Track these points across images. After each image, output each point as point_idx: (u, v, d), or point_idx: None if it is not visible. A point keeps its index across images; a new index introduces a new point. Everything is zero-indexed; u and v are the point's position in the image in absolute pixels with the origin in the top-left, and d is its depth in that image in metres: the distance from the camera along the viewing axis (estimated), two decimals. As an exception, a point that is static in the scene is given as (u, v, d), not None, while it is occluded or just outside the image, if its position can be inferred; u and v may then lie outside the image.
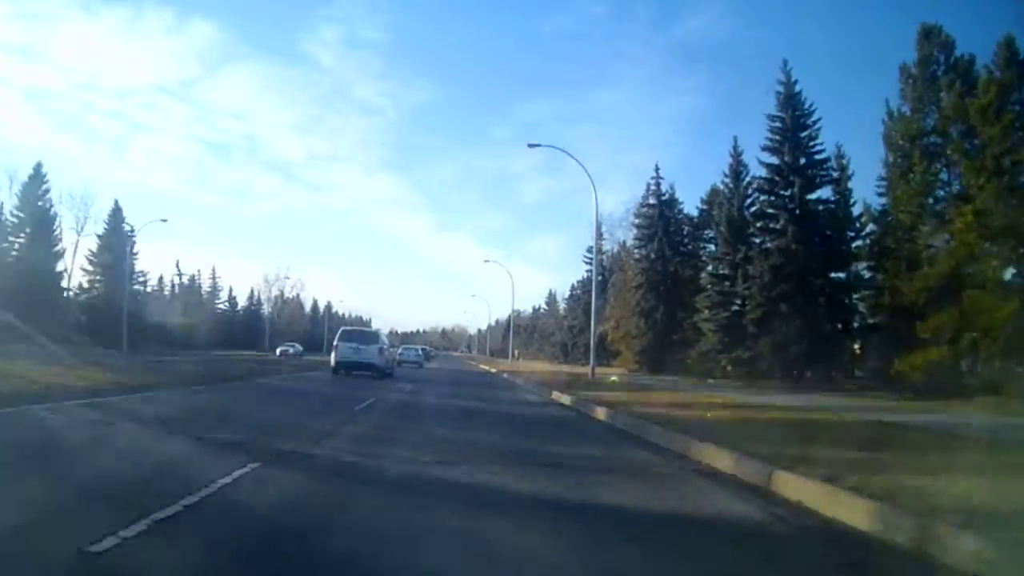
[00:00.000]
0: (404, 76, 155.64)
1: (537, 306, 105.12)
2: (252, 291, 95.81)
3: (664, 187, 45.25)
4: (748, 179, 38.68)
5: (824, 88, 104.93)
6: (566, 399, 17.25)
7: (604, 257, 63.62)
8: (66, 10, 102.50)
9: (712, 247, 45.58)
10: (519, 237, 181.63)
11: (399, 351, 38.79)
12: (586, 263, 67.17)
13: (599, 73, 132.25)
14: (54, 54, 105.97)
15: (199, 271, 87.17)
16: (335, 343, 23.96)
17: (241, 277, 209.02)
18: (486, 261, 57.41)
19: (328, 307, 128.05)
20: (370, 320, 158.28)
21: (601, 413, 13.11)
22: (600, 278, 63.48)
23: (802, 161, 33.51)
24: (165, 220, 62.03)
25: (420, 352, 46.21)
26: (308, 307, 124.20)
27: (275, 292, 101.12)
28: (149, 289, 79.54)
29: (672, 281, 42.61)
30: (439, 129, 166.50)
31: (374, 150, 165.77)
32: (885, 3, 71.06)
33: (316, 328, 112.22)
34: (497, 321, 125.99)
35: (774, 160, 33.76)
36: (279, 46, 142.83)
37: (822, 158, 33.84)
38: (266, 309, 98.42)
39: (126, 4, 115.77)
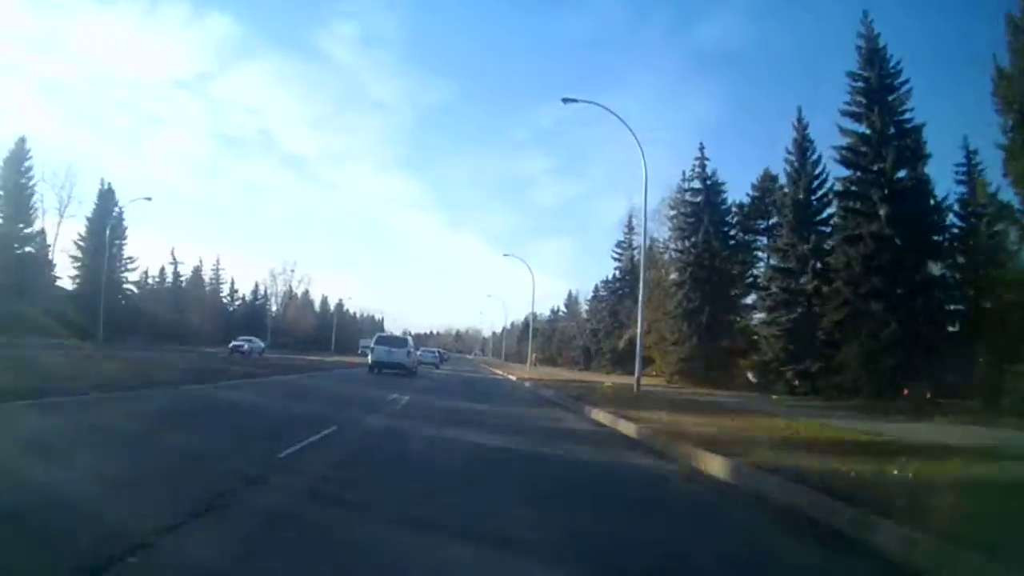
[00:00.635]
0: (420, 75, 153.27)
1: (556, 308, 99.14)
2: (256, 285, 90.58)
3: (709, 171, 39.06)
4: (815, 156, 32.81)
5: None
6: (627, 427, 11.46)
7: (634, 252, 57.67)
8: (81, 1, 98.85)
9: (764, 240, 39.63)
10: (532, 240, 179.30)
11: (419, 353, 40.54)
12: (615, 259, 61.18)
13: (615, 77, 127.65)
14: (69, 45, 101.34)
15: (201, 261, 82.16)
16: (372, 346, 27.99)
17: (251, 273, 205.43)
18: (505, 255, 51.45)
19: (339, 305, 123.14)
20: (382, 320, 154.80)
21: (718, 467, 7.35)
22: (627, 278, 57.59)
23: (891, 130, 27.48)
24: (149, 199, 56.93)
25: (436, 354, 55.94)
26: (317, 305, 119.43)
27: (281, 287, 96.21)
28: (150, 281, 75.31)
29: (719, 278, 36.56)
30: (454, 129, 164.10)
31: (388, 148, 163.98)
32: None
33: (324, 327, 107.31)
34: (513, 324, 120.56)
35: (859, 128, 27.82)
36: (295, 41, 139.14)
37: (914, 126, 27.72)
38: (272, 305, 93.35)
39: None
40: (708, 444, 8.42)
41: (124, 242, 63.05)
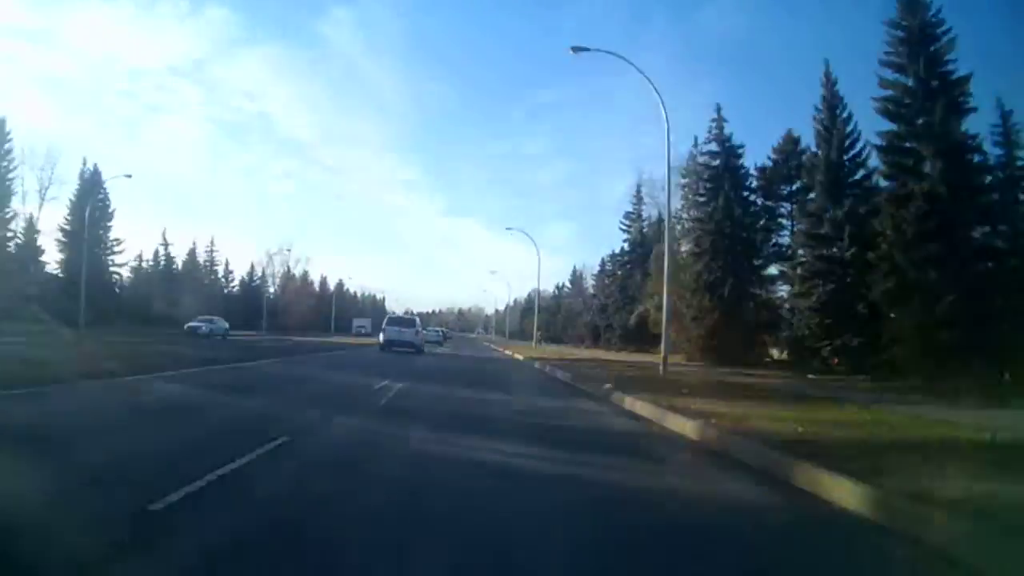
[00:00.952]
0: (419, 60, 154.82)
1: (560, 284, 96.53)
2: (252, 267, 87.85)
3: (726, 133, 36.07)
4: (845, 114, 29.94)
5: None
6: (681, 425, 8.88)
7: (644, 224, 54.97)
8: None
9: (787, 206, 36.87)
10: (533, 221, 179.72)
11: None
12: (624, 230, 58.31)
13: (616, 62, 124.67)
14: (67, 35, 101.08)
15: (195, 243, 79.44)
16: (383, 327, 29.73)
17: (250, 257, 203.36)
18: (508, 229, 48.76)
19: (339, 285, 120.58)
20: (383, 300, 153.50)
21: (862, 502, 4.73)
22: (638, 250, 54.77)
23: (934, 84, 24.68)
24: (129, 176, 54.40)
25: (440, 332, 63.89)
26: (316, 286, 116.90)
27: (279, 268, 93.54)
28: (144, 265, 72.61)
29: (742, 247, 33.85)
30: (454, 112, 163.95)
31: (388, 132, 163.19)
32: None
33: (324, 308, 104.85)
34: (516, 301, 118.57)
35: (902, 78, 25.00)
36: (293, 27, 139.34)
37: (959, 78, 24.86)
38: (270, 287, 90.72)
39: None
40: (817, 456, 5.90)
41: (110, 224, 60.49)
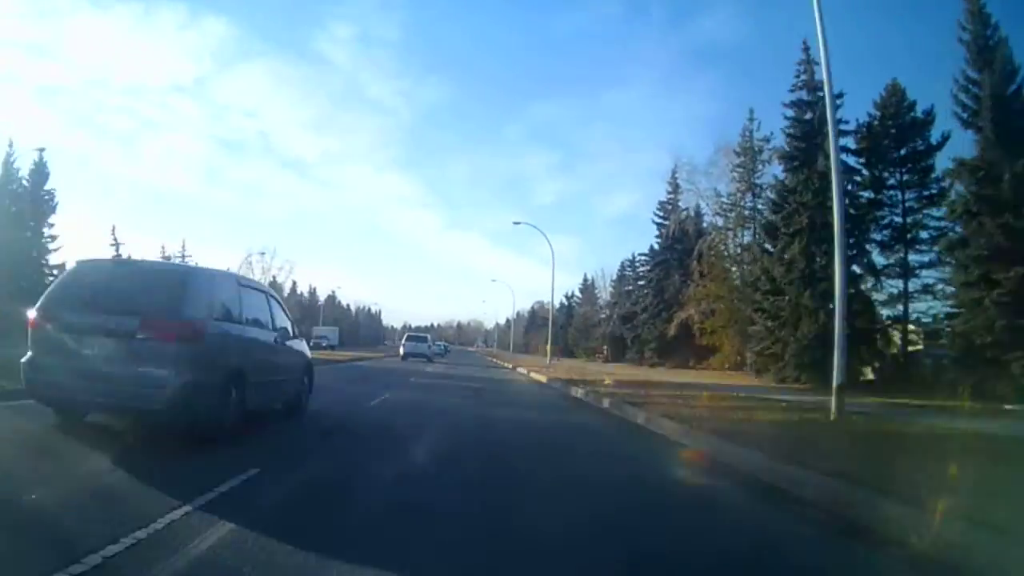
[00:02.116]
0: (417, 74, 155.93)
1: (570, 293, 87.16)
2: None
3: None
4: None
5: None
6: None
7: (683, 215, 45.83)
8: (77, 6, 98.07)
9: (898, 175, 27.75)
10: (532, 237, 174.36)
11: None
12: (659, 223, 48.75)
13: (612, 73, 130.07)
14: (66, 50, 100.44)
15: (163, 248, 70.00)
16: (403, 341, 39.73)
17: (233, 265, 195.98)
18: (515, 223, 39.65)
19: (331, 297, 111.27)
20: (379, 312, 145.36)
21: None
22: (676, 246, 45.47)
23: None
24: (43, 149, 44.85)
25: (443, 346, 70.17)
26: (306, 296, 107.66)
27: (259, 275, 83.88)
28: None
29: (851, 228, 24.63)
30: (452, 128, 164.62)
31: (387, 149, 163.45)
32: None
33: (311, 320, 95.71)
34: (519, 314, 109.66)
35: None
36: (292, 43, 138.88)
37: None
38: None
39: (138, 0, 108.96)
40: None
41: (51, 224, 51.74)
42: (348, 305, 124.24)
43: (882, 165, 26.78)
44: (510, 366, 36.13)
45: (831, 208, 23.03)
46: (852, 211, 25.00)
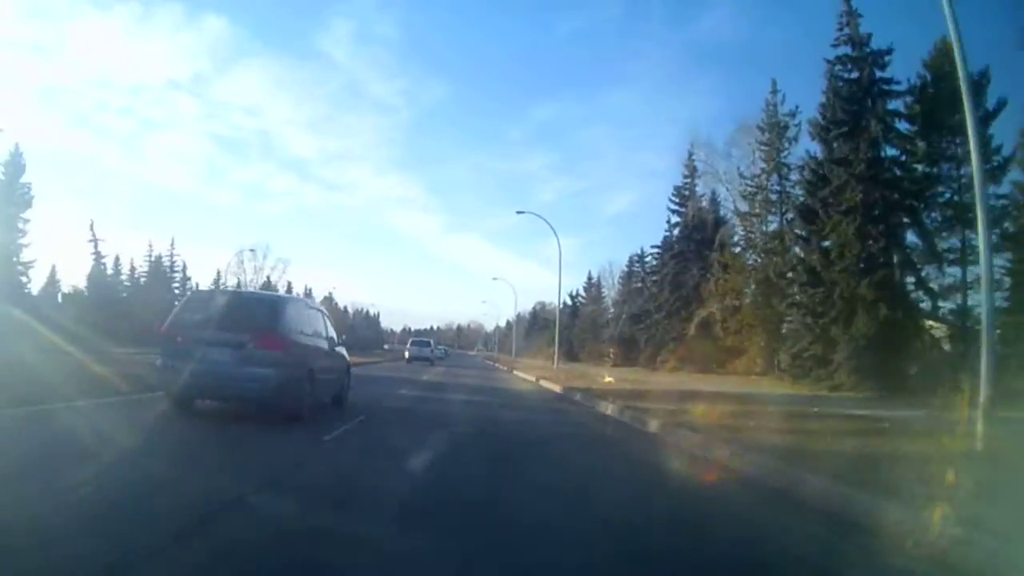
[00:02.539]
0: (417, 74, 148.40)
1: (574, 291, 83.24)
2: (219, 273, 74.63)
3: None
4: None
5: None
6: None
7: (702, 200, 42.26)
8: (77, 6, 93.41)
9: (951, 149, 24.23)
10: (533, 239, 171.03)
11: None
12: (673, 210, 44.41)
13: (612, 72, 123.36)
14: (65, 50, 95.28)
15: (151, 247, 66.29)
16: (408, 345, 41.45)
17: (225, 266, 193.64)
18: (519, 212, 36.27)
19: (328, 299, 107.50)
20: (377, 315, 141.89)
21: None
22: (695, 236, 41.74)
23: None
24: (1, 130, 41.77)
25: (444, 350, 68.15)
26: (302, 295, 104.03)
27: (252, 275, 80.00)
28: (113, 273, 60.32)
29: (905, 205, 21.26)
30: (452, 129, 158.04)
31: (387, 149, 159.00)
32: None
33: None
34: (519, 315, 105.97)
35: None
36: (291, 42, 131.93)
37: None
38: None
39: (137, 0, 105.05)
40: None
41: (24, 216, 48.51)
42: (345, 307, 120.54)
43: (936, 135, 23.27)
44: (514, 371, 32.71)
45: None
46: (910, 185, 21.61)
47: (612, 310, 67.51)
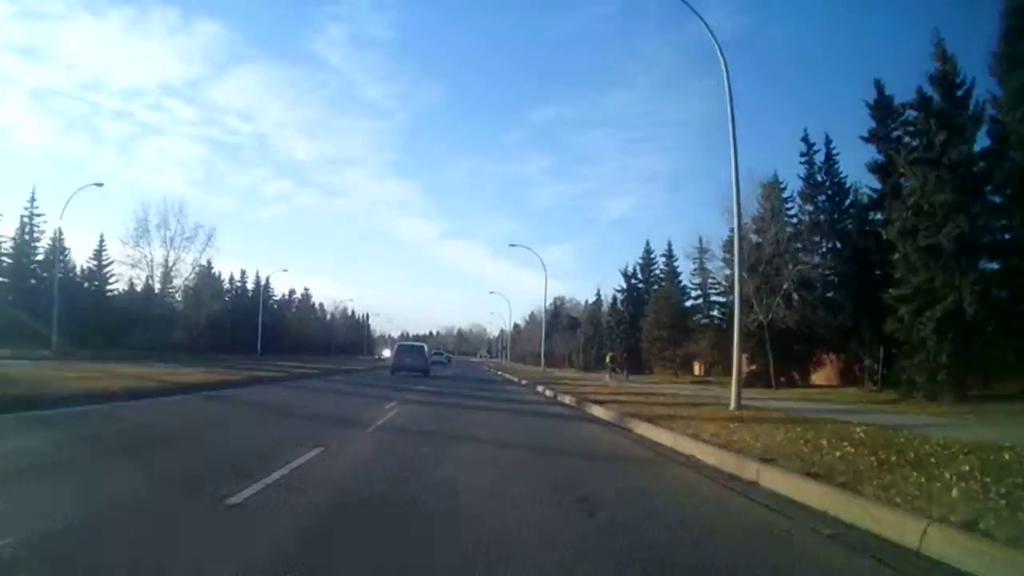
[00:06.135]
0: (413, 76, 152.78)
1: (630, 270, 69.69)
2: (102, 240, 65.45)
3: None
4: None
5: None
6: None
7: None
8: (71, 10, 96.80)
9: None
10: (534, 241, 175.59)
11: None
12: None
13: (610, 74, 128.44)
14: (60, 54, 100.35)
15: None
16: (393, 351, 38.49)
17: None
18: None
19: (306, 298, 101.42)
20: (366, 316, 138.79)
21: None
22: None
23: None
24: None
25: (445, 356, 66.94)
26: (297, 302, 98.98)
27: (162, 252, 69.09)
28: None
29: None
30: (449, 132, 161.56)
31: (384, 153, 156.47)
32: None
33: (305, 333, 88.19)
34: (532, 315, 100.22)
35: None
36: (286, 46, 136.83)
37: None
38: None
39: (131, 3, 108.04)
40: None
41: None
42: (332, 314, 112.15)
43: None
44: (597, 411, 11.95)
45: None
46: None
47: (718, 287, 47.79)
